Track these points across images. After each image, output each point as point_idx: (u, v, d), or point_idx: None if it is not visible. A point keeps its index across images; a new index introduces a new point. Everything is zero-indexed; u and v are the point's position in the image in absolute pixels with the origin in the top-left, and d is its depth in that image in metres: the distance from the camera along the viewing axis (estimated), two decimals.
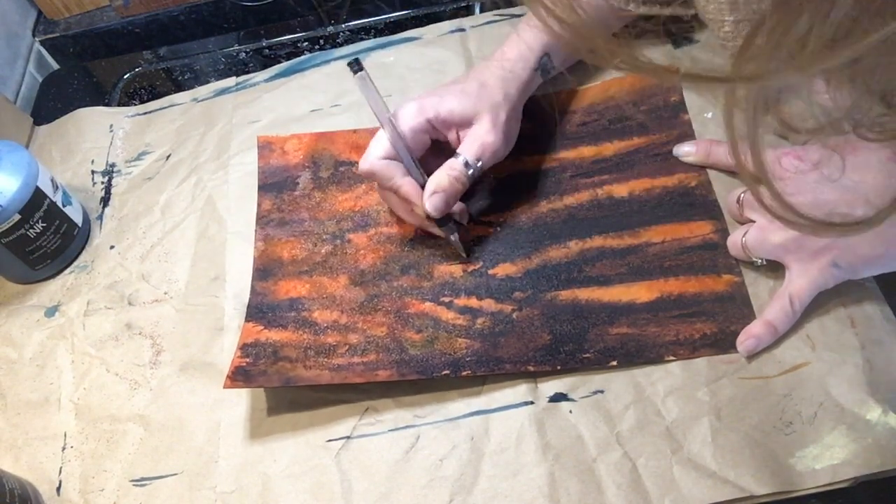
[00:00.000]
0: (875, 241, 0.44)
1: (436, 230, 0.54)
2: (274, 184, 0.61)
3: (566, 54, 0.56)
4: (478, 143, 0.52)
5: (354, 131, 0.63)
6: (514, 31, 0.56)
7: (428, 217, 0.51)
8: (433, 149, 0.54)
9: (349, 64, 0.49)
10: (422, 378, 0.49)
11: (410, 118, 0.52)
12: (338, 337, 0.52)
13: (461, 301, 0.53)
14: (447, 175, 0.51)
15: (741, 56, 0.23)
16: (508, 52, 0.55)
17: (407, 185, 0.51)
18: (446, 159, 0.52)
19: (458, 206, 0.54)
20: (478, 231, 0.56)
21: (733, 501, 0.43)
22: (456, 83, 0.54)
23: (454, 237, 0.54)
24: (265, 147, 0.63)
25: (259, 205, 0.60)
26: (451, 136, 0.54)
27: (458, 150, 0.52)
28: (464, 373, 0.49)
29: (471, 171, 0.51)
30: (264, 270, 0.57)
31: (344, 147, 0.62)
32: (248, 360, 0.51)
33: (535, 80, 0.56)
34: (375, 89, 0.50)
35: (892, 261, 0.45)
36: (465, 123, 0.53)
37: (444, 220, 0.52)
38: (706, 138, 0.56)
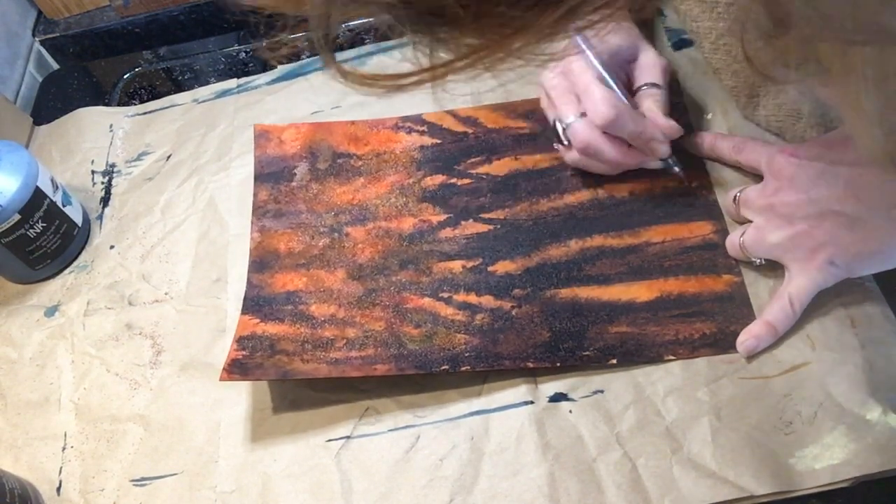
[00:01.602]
0: (871, 238, 0.44)
1: (658, 165, 0.53)
2: (271, 174, 0.61)
3: None
4: (658, 67, 0.53)
5: (353, 123, 0.63)
6: None
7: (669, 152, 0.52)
8: None
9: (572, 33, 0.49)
10: (420, 373, 0.49)
11: (608, 61, 0.52)
12: (335, 331, 0.52)
13: (460, 297, 0.53)
14: (656, 104, 0.52)
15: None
16: None
17: (649, 126, 0.51)
18: None
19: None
20: (477, 228, 0.56)
21: (733, 501, 0.43)
22: (603, 29, 0.54)
23: (678, 168, 0.53)
24: (262, 136, 0.63)
25: (255, 195, 0.60)
26: (622, 74, 0.54)
27: (642, 82, 0.53)
28: (463, 368, 0.49)
29: (665, 92, 0.53)
30: (260, 263, 0.56)
31: (342, 138, 0.62)
32: (244, 352, 0.51)
33: None
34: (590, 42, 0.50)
35: (890, 258, 0.45)
36: (632, 57, 0.54)
37: (671, 152, 0.53)
38: (712, 132, 0.56)
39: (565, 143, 0.54)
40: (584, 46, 0.50)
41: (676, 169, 0.53)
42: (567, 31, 0.21)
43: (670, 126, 0.51)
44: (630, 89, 0.54)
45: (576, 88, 0.52)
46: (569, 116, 0.52)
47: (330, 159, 0.61)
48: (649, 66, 0.53)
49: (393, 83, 0.24)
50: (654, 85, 0.53)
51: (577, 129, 0.52)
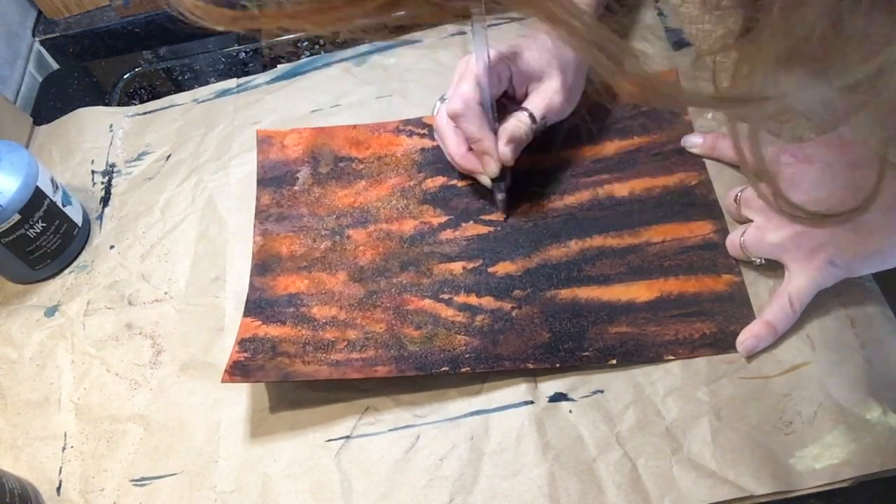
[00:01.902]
0: (871, 238, 0.44)
1: (487, 182, 0.54)
2: (273, 178, 0.61)
3: None
4: (545, 101, 0.52)
5: (354, 127, 0.63)
6: None
7: (496, 173, 0.52)
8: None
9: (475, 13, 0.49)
10: (420, 374, 0.49)
11: (498, 66, 0.52)
12: (336, 333, 0.52)
13: (461, 298, 0.53)
14: (517, 128, 0.51)
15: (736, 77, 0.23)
16: None
17: (490, 139, 0.51)
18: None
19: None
20: (478, 230, 0.56)
21: (733, 501, 0.43)
22: (530, 36, 0.54)
23: (501, 196, 0.54)
24: (265, 141, 0.63)
25: (258, 199, 0.60)
26: (521, 90, 0.54)
27: (524, 105, 0.52)
28: (463, 369, 0.49)
29: (536, 127, 0.52)
30: (263, 265, 0.57)
31: (344, 142, 0.62)
32: (246, 354, 0.51)
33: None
34: (485, 34, 0.49)
35: (889, 258, 0.45)
36: (537, 77, 0.53)
37: (501, 175, 0.53)
38: (713, 131, 0.56)
39: (433, 113, 0.56)
40: (476, 41, 0.50)
41: (499, 196, 0.54)
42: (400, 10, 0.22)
43: (503, 151, 0.51)
44: (517, 105, 0.53)
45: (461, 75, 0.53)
46: (445, 95, 0.54)
47: (331, 163, 0.61)
48: (538, 95, 0.53)
49: (209, 17, 0.24)
50: (527, 111, 0.52)
51: (440, 109, 0.54)
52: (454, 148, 0.54)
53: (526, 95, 0.54)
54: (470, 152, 0.54)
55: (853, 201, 0.43)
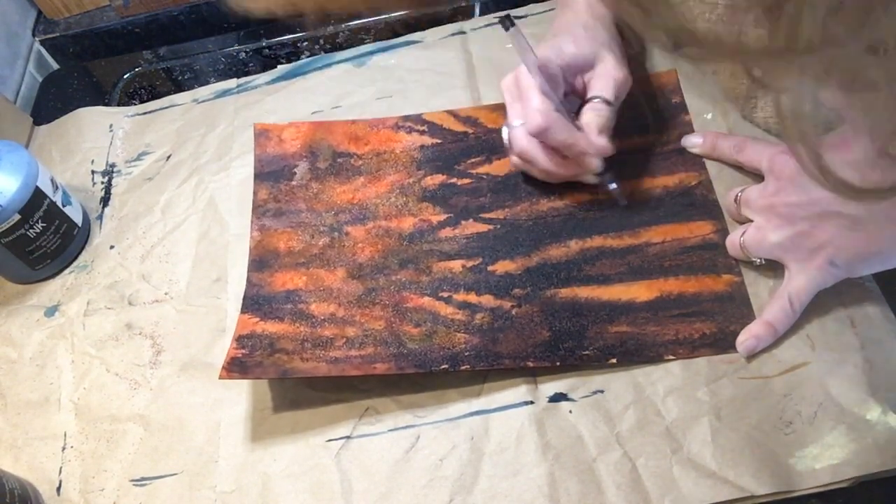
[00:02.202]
0: (871, 238, 0.44)
1: (594, 180, 0.54)
2: (270, 172, 0.61)
3: None
4: (611, 81, 0.52)
5: (353, 122, 0.63)
6: None
7: (602, 167, 0.51)
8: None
9: (500, 20, 0.49)
10: (420, 372, 0.49)
11: (549, 68, 0.51)
12: (335, 330, 0.52)
13: (460, 296, 0.53)
14: (598, 118, 0.51)
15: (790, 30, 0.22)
16: None
17: (582, 139, 0.50)
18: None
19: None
20: (477, 228, 0.56)
21: (733, 501, 0.43)
22: (556, 34, 0.54)
23: (614, 185, 0.53)
24: (262, 134, 0.63)
25: (255, 194, 0.60)
26: (578, 83, 0.54)
27: (592, 94, 0.52)
28: (462, 367, 0.49)
29: (612, 109, 0.52)
30: (260, 261, 0.56)
31: (342, 138, 0.62)
32: (244, 351, 0.51)
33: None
34: (528, 43, 0.49)
35: (889, 258, 0.45)
36: (588, 66, 0.53)
37: (605, 168, 0.52)
38: (713, 131, 0.56)
39: (506, 144, 0.55)
40: (523, 54, 0.50)
41: (612, 186, 0.54)
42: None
43: (600, 144, 0.50)
44: (583, 99, 0.53)
45: (520, 94, 0.52)
46: (514, 121, 0.53)
47: (330, 158, 0.61)
48: (601, 79, 0.52)
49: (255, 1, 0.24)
50: (601, 99, 0.52)
51: (516, 134, 0.53)
52: (552, 164, 0.53)
53: (584, 88, 0.54)
54: (566, 160, 0.52)
55: (853, 202, 0.43)
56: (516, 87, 0.53)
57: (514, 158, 0.55)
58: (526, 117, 0.51)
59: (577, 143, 0.50)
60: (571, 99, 0.54)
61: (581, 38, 0.53)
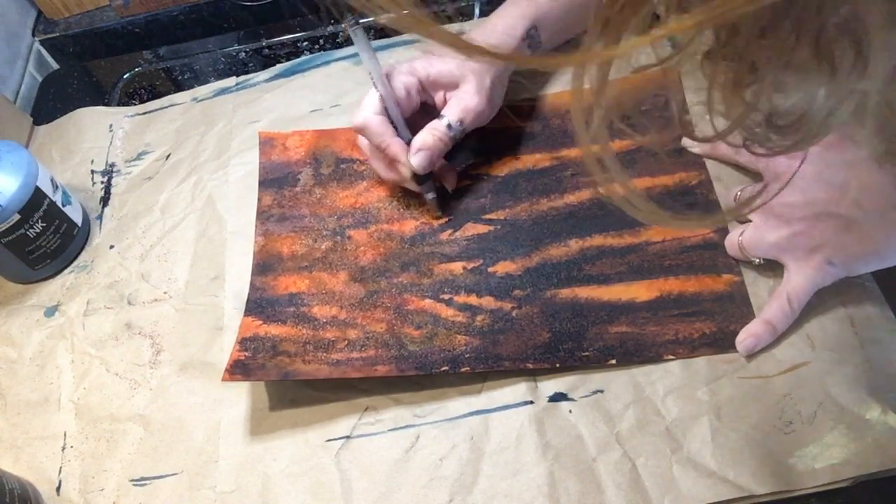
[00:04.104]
0: (868, 237, 0.44)
1: (414, 187, 0.55)
2: (275, 179, 0.61)
3: (554, 30, 0.57)
4: (461, 106, 0.53)
5: None
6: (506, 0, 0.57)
7: (412, 174, 0.53)
8: (422, 111, 0.55)
9: (349, 19, 0.50)
10: (420, 374, 0.49)
11: (402, 77, 0.53)
12: (337, 332, 0.52)
13: (461, 298, 0.53)
14: (431, 135, 0.52)
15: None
16: (497, 21, 0.56)
17: (395, 144, 0.53)
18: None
19: (448, 169, 0.57)
20: (478, 230, 0.56)
21: (733, 501, 0.43)
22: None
23: (431, 195, 0.56)
24: (266, 143, 0.63)
25: (259, 200, 0.60)
26: (439, 97, 0.55)
27: (442, 112, 0.54)
28: (463, 369, 0.49)
29: (452, 133, 0.53)
30: (264, 265, 0.57)
31: (345, 144, 0.62)
32: (246, 353, 0.51)
33: (522, 49, 0.56)
34: (370, 47, 0.51)
35: (887, 257, 0.45)
36: (452, 85, 0.54)
37: (425, 178, 0.54)
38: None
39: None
40: (365, 57, 0.51)
41: (429, 196, 0.56)
42: None
43: (412, 161, 0.52)
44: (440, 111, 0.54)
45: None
46: None
47: (333, 165, 0.62)
48: (453, 101, 0.54)
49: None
50: (444, 119, 0.53)
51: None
52: (374, 162, 0.56)
53: (443, 104, 0.55)
54: (391, 165, 0.55)
55: (847, 205, 0.44)
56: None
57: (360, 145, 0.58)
58: (354, 114, 0.53)
59: (389, 148, 0.53)
60: (429, 112, 0.55)
61: (457, 59, 0.54)
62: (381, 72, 0.52)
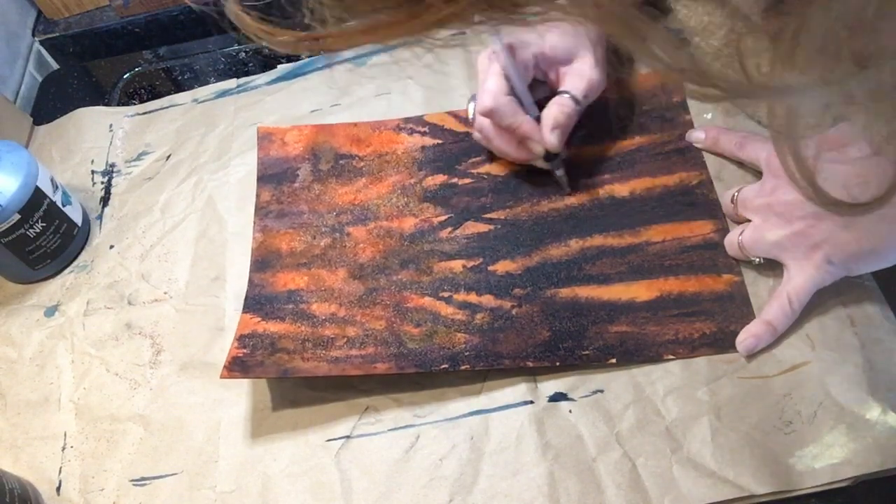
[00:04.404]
0: (866, 237, 0.44)
1: (544, 165, 0.55)
2: (273, 175, 0.61)
3: None
4: (584, 80, 0.52)
5: (355, 124, 0.63)
6: None
7: (545, 154, 0.53)
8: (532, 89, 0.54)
9: None
10: (420, 372, 0.49)
11: (519, 53, 0.52)
12: (336, 330, 0.52)
13: (460, 296, 0.53)
14: (560, 111, 0.51)
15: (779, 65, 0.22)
16: None
17: (527, 123, 0.52)
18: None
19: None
20: (478, 228, 0.56)
21: (733, 501, 0.43)
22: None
23: (560, 172, 0.55)
24: (265, 138, 0.63)
25: (258, 196, 0.60)
26: (552, 74, 0.54)
27: (563, 88, 0.53)
28: (462, 367, 0.49)
29: (579, 107, 0.52)
30: (262, 262, 0.57)
31: (344, 140, 0.62)
32: (245, 350, 0.51)
33: None
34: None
35: (886, 257, 0.45)
36: (567, 60, 0.53)
37: (555, 155, 0.53)
38: (716, 126, 0.56)
39: (469, 118, 0.56)
40: (494, 37, 0.50)
41: (558, 172, 0.55)
42: (454, 26, 0.21)
43: (549, 139, 0.51)
44: (554, 91, 0.54)
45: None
46: (476, 95, 0.54)
47: (332, 160, 0.61)
48: (574, 76, 0.53)
49: (290, 42, 0.24)
50: (569, 95, 0.52)
51: (473, 108, 0.55)
52: (504, 144, 0.54)
53: (558, 79, 0.54)
54: (519, 145, 0.54)
55: (848, 199, 0.43)
56: (487, 62, 0.54)
57: (475, 133, 0.57)
58: (479, 96, 0.52)
59: (521, 128, 0.52)
60: (545, 88, 0.55)
61: (567, 32, 0.53)
62: (507, 51, 0.50)
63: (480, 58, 0.55)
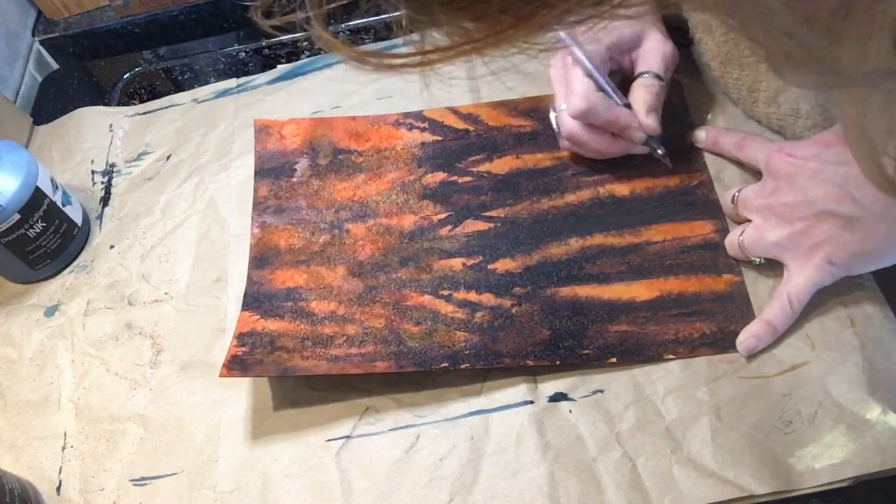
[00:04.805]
0: (868, 236, 0.44)
1: (644, 150, 0.54)
2: (271, 169, 0.61)
3: None
4: (660, 55, 0.53)
5: (354, 118, 0.63)
6: None
7: (645, 139, 0.53)
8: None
9: None
10: (420, 370, 0.49)
11: (593, 49, 0.52)
12: (335, 328, 0.52)
13: (460, 295, 0.53)
14: (649, 93, 0.52)
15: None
16: None
17: (625, 113, 0.52)
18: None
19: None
20: (478, 226, 0.56)
21: (733, 501, 0.43)
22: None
23: (662, 150, 0.54)
24: (262, 131, 0.63)
25: (255, 191, 0.60)
26: (626, 61, 0.55)
27: (643, 69, 0.53)
28: (462, 366, 0.49)
29: (663, 83, 0.52)
30: (261, 259, 0.56)
31: (343, 134, 0.62)
32: (244, 349, 0.51)
33: None
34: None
35: (887, 256, 0.45)
36: (636, 44, 0.54)
37: (654, 137, 0.53)
38: (716, 126, 0.56)
39: (556, 129, 0.56)
40: (568, 39, 0.51)
41: (659, 151, 0.54)
42: (565, 24, 0.21)
43: (648, 123, 0.52)
44: (632, 76, 0.54)
45: (565, 77, 0.53)
46: (561, 105, 0.54)
47: (331, 155, 0.61)
48: (649, 54, 0.53)
49: (382, 61, 0.23)
50: (651, 73, 0.53)
51: (563, 118, 0.54)
52: (600, 143, 0.54)
53: (632, 65, 0.54)
54: (614, 137, 0.54)
55: (847, 202, 0.43)
56: (562, 69, 0.54)
57: (564, 142, 0.56)
58: (568, 101, 0.52)
59: (619, 119, 0.52)
60: (616, 77, 0.55)
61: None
62: (586, 49, 0.51)
63: (553, 65, 0.55)
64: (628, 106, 0.52)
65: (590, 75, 0.51)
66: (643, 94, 0.52)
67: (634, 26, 0.53)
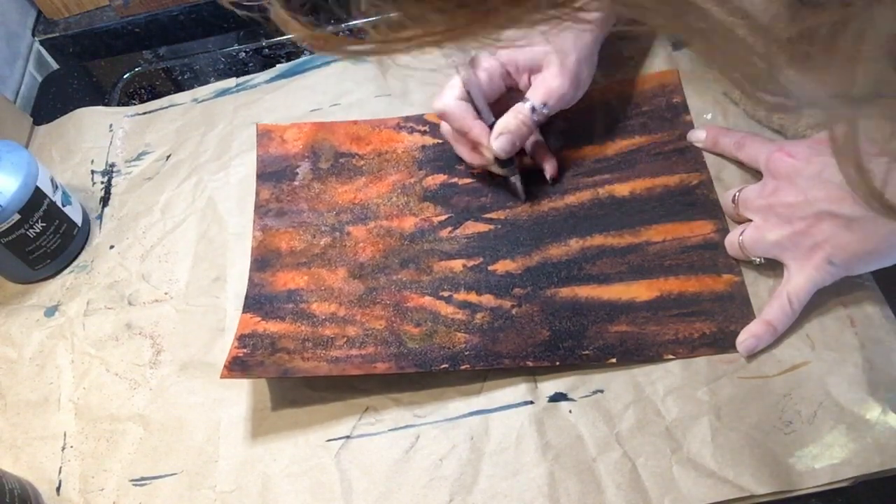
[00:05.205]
0: (867, 237, 0.44)
1: (498, 171, 0.55)
2: (273, 173, 0.61)
3: None
4: (544, 88, 0.53)
5: (355, 122, 0.63)
6: None
7: (495, 158, 0.53)
8: (509, 97, 0.55)
9: None
10: (420, 371, 0.49)
11: (485, 62, 0.53)
12: (336, 329, 0.52)
13: (460, 296, 0.53)
14: (514, 118, 0.52)
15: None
16: None
17: (477, 127, 0.53)
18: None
19: (548, 157, 0.57)
20: (478, 228, 0.56)
21: (733, 501, 0.43)
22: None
23: (514, 178, 0.55)
24: (264, 135, 0.63)
25: (257, 194, 0.60)
26: (523, 81, 0.55)
27: (525, 95, 0.53)
28: (462, 367, 0.49)
29: (535, 116, 0.52)
30: (262, 261, 0.57)
31: (344, 138, 0.62)
32: (245, 350, 0.51)
33: (610, 23, 0.55)
34: None
35: (886, 257, 0.45)
36: (536, 68, 0.54)
37: (508, 161, 0.54)
38: (716, 126, 0.56)
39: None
40: (454, 48, 0.51)
41: (513, 180, 0.55)
42: (525, 23, 0.21)
43: (494, 144, 0.52)
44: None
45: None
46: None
47: (332, 159, 0.61)
48: (537, 84, 0.53)
49: (339, 46, 0.23)
50: (528, 102, 0.52)
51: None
52: (462, 152, 0.56)
53: (528, 84, 0.54)
54: (474, 149, 0.55)
55: (848, 203, 0.43)
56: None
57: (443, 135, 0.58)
58: (434, 100, 0.54)
59: (472, 132, 0.53)
60: (517, 96, 0.55)
61: (536, 39, 0.53)
62: (474, 58, 0.52)
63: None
64: (492, 126, 0.53)
65: (466, 83, 0.52)
66: (507, 117, 0.52)
67: (538, 51, 0.53)
